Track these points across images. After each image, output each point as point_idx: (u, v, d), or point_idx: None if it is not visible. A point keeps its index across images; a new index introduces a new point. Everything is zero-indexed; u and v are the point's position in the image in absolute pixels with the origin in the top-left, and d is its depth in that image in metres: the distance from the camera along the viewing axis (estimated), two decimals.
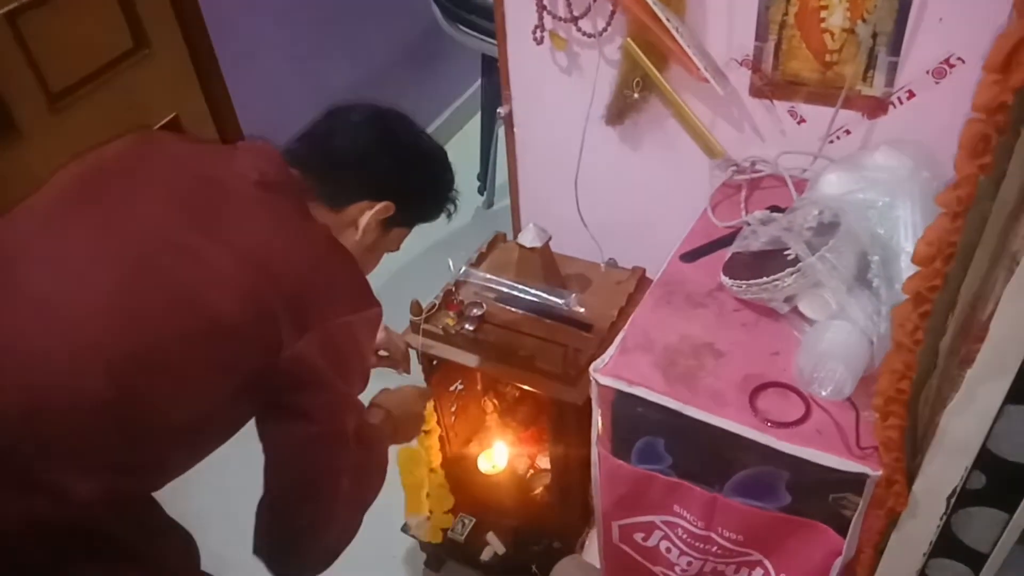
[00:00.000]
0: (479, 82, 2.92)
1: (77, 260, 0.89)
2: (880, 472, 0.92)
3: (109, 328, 0.85)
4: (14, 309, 0.86)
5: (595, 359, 1.41)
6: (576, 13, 1.37)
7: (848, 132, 1.31)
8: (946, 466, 0.86)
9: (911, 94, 1.23)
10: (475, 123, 3.26)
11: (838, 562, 1.04)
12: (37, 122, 1.66)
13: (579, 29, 1.39)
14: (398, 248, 1.19)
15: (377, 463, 1.15)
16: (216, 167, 0.99)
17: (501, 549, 1.69)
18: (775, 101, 1.34)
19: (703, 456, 1.08)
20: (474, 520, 1.73)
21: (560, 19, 1.40)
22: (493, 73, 2.51)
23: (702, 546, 1.18)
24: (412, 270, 2.61)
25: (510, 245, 1.71)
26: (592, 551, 1.59)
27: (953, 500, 0.88)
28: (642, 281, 1.58)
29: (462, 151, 3.26)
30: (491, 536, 1.70)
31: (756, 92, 1.34)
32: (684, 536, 1.19)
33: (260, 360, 0.91)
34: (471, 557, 1.70)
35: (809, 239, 1.10)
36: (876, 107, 1.27)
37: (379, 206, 1.06)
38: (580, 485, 1.58)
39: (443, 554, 1.80)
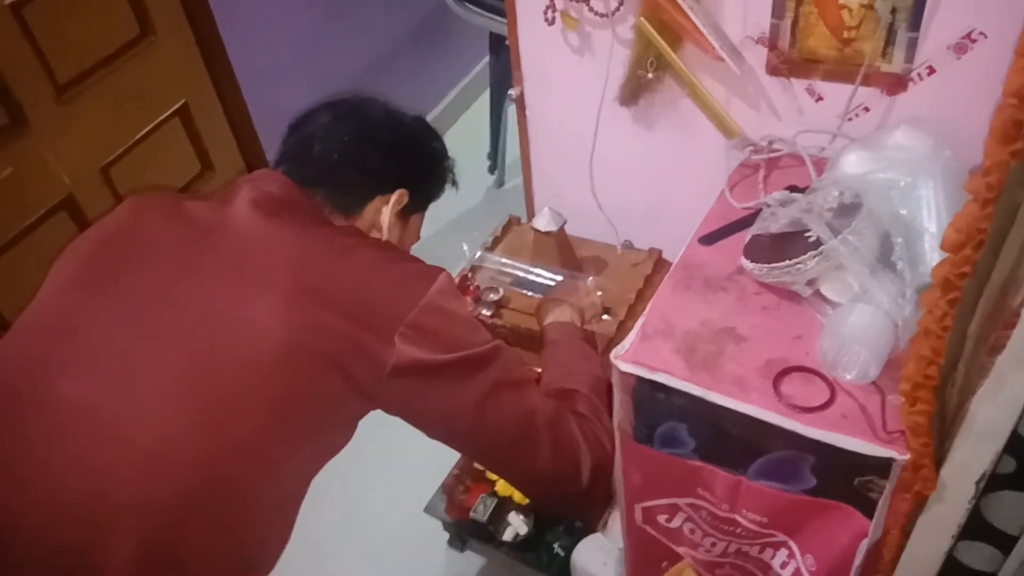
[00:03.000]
0: (487, 59, 2.89)
1: (118, 367, 0.83)
2: (907, 456, 0.92)
3: (178, 442, 0.80)
4: (60, 429, 0.81)
5: (614, 343, 1.42)
6: None
7: (867, 110, 1.29)
8: (975, 451, 0.86)
9: (931, 70, 1.21)
10: (483, 101, 3.23)
11: (864, 543, 1.05)
12: (45, 113, 1.66)
13: (591, 9, 1.37)
14: (419, 237, 1.17)
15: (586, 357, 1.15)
16: (222, 212, 0.93)
17: (523, 529, 1.70)
18: (792, 79, 1.32)
19: (727, 440, 1.08)
20: (496, 500, 1.74)
21: None
22: (501, 51, 2.50)
23: (726, 528, 1.18)
24: (425, 253, 2.57)
25: (524, 228, 1.70)
26: (615, 530, 1.60)
27: (983, 484, 0.88)
28: (659, 263, 1.57)
29: (471, 130, 3.23)
30: (513, 516, 1.71)
31: (773, 70, 1.32)
32: (708, 518, 1.20)
33: (362, 392, 0.87)
34: (493, 537, 1.72)
35: (830, 220, 1.09)
36: (895, 84, 1.25)
37: (394, 198, 1.04)
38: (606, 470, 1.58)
39: (465, 534, 1.81)
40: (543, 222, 1.48)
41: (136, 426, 0.81)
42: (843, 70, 1.27)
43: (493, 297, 1.52)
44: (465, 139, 3.19)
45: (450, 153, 1.17)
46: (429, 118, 3.01)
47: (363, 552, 1.89)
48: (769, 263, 1.11)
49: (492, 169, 2.92)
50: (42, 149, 1.67)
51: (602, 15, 1.37)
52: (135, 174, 1.87)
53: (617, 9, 1.34)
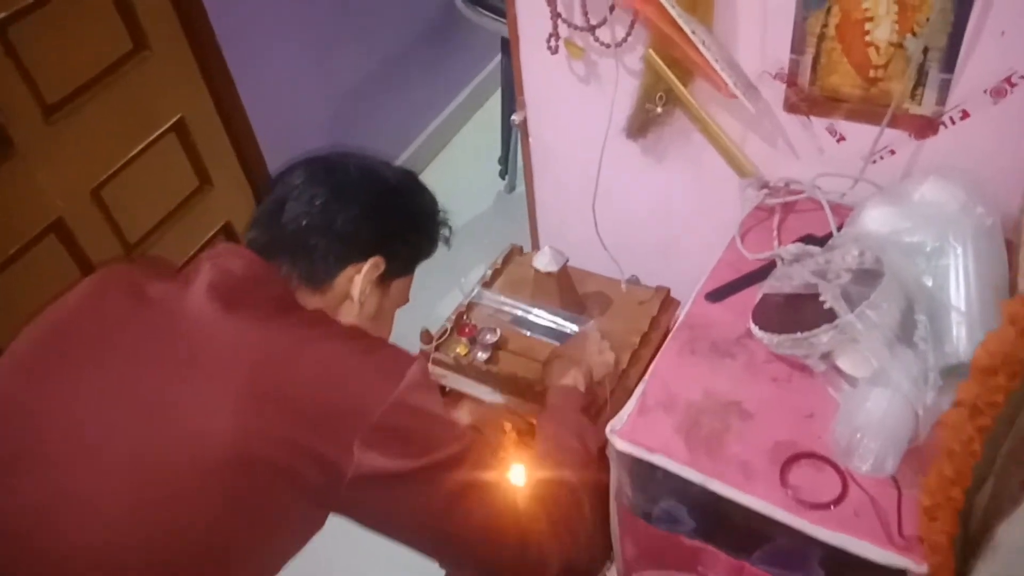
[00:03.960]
0: (498, 58, 2.79)
1: (64, 465, 0.78)
2: (924, 567, 0.83)
3: (122, 546, 0.75)
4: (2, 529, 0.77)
5: (615, 394, 1.34)
6: (593, 22, 1.25)
7: (893, 152, 1.19)
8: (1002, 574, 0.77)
9: (965, 114, 1.11)
10: (494, 101, 3.13)
11: None
12: (32, 135, 1.59)
13: (596, 38, 1.27)
14: (408, 299, 1.08)
15: (577, 437, 1.07)
16: (182, 298, 0.85)
17: None
18: (812, 117, 1.22)
19: (729, 526, 1.01)
20: None
21: (576, 28, 1.28)
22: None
23: None
24: (431, 265, 2.53)
25: (527, 259, 1.62)
26: None
27: None
28: (666, 302, 1.48)
29: (483, 131, 3.14)
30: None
31: (791, 107, 1.22)
32: None
33: (316, 502, 0.81)
34: None
35: (847, 287, 0.99)
36: (925, 127, 1.14)
37: (366, 267, 0.94)
38: (602, 513, 1.51)
39: None
40: (543, 262, 1.39)
41: (78, 527, 0.76)
42: (868, 110, 1.16)
43: (490, 339, 1.44)
44: (476, 141, 3.10)
45: (441, 206, 1.06)
46: (440, 120, 3.00)
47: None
48: (780, 332, 1.02)
49: (503, 174, 2.83)
50: (30, 172, 1.61)
51: (608, 45, 1.27)
52: (129, 193, 1.82)
53: (624, 40, 1.24)
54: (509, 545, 0.89)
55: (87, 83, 1.68)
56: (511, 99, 2.68)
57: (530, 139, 1.54)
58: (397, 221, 0.98)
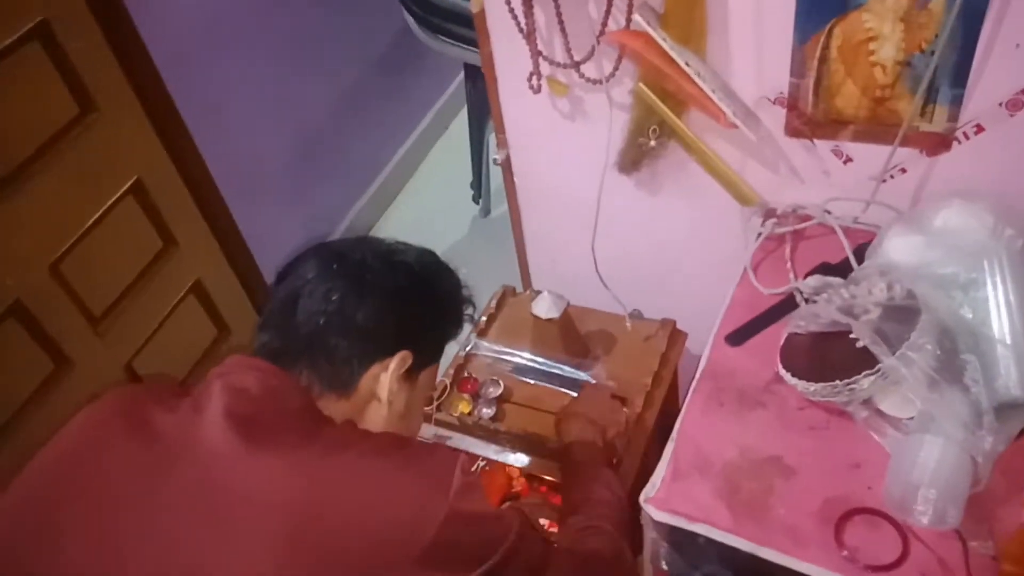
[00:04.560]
0: (460, 78, 2.71)
1: None
2: None
3: None
4: None
5: (632, 442, 1.27)
6: (577, 58, 1.18)
7: (904, 171, 1.14)
8: None
9: (980, 128, 1.06)
10: (460, 122, 3.05)
11: None
12: None
13: (582, 75, 1.20)
14: (435, 389, 0.99)
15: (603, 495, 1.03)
16: (193, 429, 0.76)
17: None
18: (816, 140, 1.17)
19: None
20: None
21: (559, 65, 1.21)
22: (478, 79, 2.32)
23: None
24: None
25: (522, 299, 1.54)
26: None
27: None
28: (674, 335, 1.42)
29: (451, 154, 3.04)
30: None
31: (793, 132, 1.17)
32: None
33: None
34: None
35: (881, 326, 0.94)
36: (937, 144, 1.10)
37: (393, 364, 0.84)
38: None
39: None
40: (543, 308, 1.32)
41: None
42: (875, 130, 1.11)
43: (494, 392, 1.37)
44: (445, 165, 3.02)
45: (464, 282, 0.97)
46: (405, 147, 2.92)
47: None
48: (816, 380, 0.96)
49: (476, 198, 2.75)
50: None
51: (595, 81, 1.20)
52: (90, 264, 1.70)
53: (612, 75, 1.18)
54: None
55: (34, 154, 1.56)
56: (478, 122, 2.61)
57: (515, 178, 1.47)
58: (422, 310, 0.89)
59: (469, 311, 0.97)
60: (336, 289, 0.83)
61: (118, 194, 1.75)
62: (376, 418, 0.87)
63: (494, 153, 1.52)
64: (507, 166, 1.47)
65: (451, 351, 1.46)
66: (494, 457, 1.33)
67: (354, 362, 0.83)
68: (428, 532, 0.71)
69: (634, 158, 1.28)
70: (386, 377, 0.85)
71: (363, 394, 0.85)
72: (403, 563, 0.71)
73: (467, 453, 1.20)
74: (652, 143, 1.23)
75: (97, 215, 1.70)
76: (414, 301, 0.88)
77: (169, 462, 0.74)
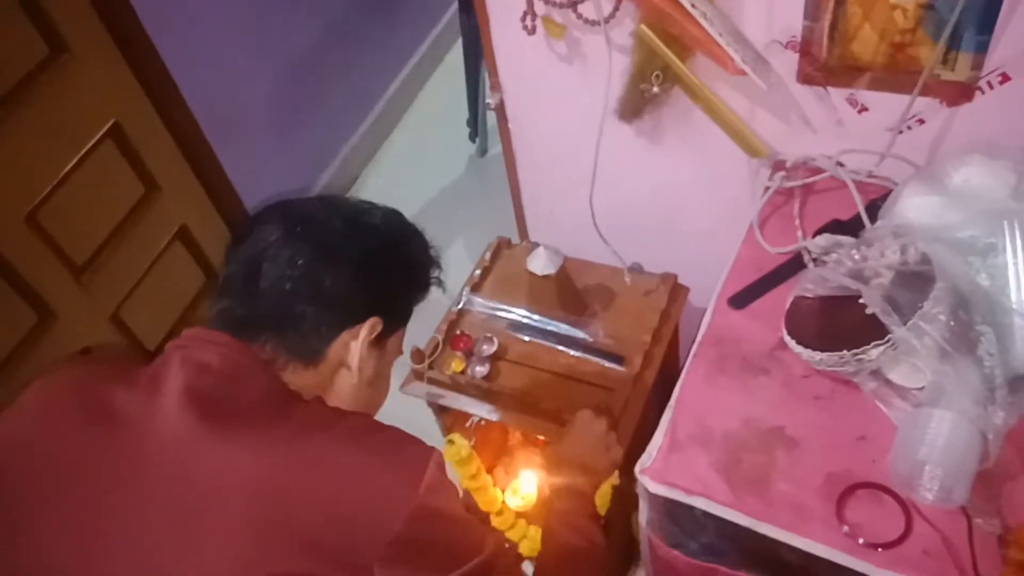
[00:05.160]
0: (454, 7, 2.58)
1: None
2: None
3: None
4: None
5: (630, 402, 1.24)
6: None
7: (922, 122, 1.07)
8: None
9: (1005, 78, 0.99)
10: (456, 53, 2.92)
11: None
12: None
13: (579, 15, 1.12)
14: (402, 352, 0.94)
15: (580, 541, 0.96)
16: (151, 409, 0.72)
17: None
18: (829, 88, 1.09)
19: (779, 560, 0.92)
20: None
21: (555, 4, 1.13)
22: (471, 11, 2.20)
23: None
24: None
25: (517, 251, 1.49)
26: None
27: None
28: (675, 290, 1.37)
29: (446, 89, 2.92)
30: (526, 566, 1.58)
31: (806, 79, 1.09)
32: None
33: None
34: None
35: (892, 293, 0.89)
36: (959, 94, 1.02)
37: (364, 331, 0.81)
38: (622, 517, 1.44)
39: None
40: (539, 265, 1.27)
41: None
42: (893, 78, 1.04)
43: (488, 350, 1.33)
44: (440, 101, 2.92)
45: (431, 243, 0.91)
46: (398, 82, 2.80)
47: None
48: (822, 349, 0.92)
49: (473, 136, 2.66)
50: None
51: (593, 22, 1.12)
52: (69, 213, 1.64)
53: (612, 16, 1.10)
54: None
55: (2, 99, 1.49)
56: (474, 57, 2.49)
57: (509, 123, 1.40)
58: (391, 275, 0.84)
59: (436, 273, 0.92)
60: (301, 253, 0.78)
61: (95, 139, 1.67)
62: (345, 387, 0.84)
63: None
64: (501, 111, 1.39)
65: (443, 306, 1.42)
66: (488, 417, 1.30)
67: (322, 330, 0.79)
68: (395, 524, 0.69)
69: (635, 105, 1.20)
70: (356, 345, 0.81)
71: (331, 363, 0.81)
72: (368, 556, 0.68)
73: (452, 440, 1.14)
74: (654, 90, 1.16)
75: (74, 162, 1.64)
76: (383, 265, 0.84)
77: (128, 449, 0.70)
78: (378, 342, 0.85)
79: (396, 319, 0.87)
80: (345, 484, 0.70)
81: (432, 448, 0.76)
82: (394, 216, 0.88)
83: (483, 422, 1.52)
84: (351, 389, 0.84)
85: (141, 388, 0.74)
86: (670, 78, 1.15)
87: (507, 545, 0.84)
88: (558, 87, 1.28)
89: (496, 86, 1.36)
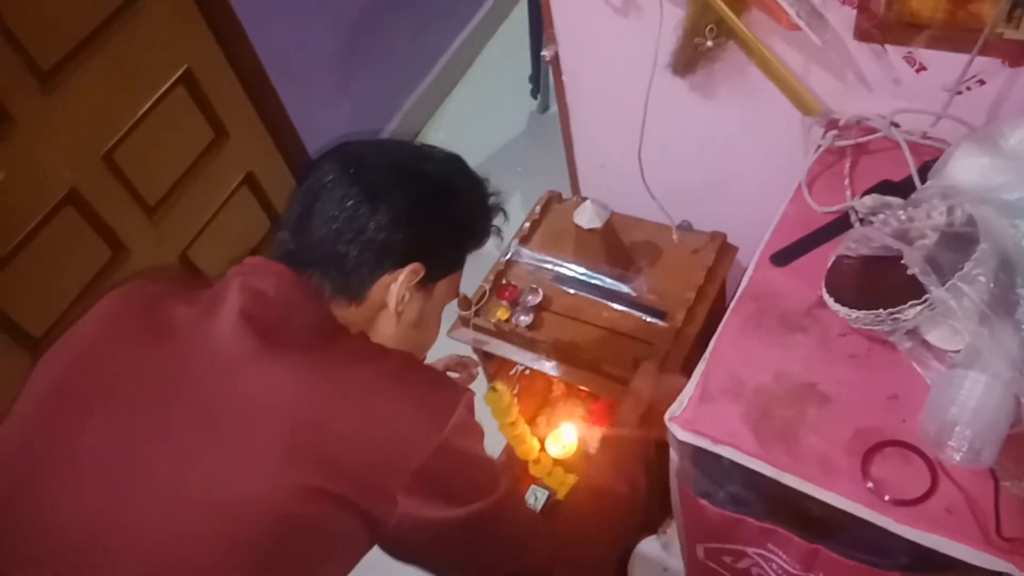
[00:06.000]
0: None
1: (83, 522, 0.72)
2: None
3: None
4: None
5: (670, 357, 1.26)
6: None
7: (982, 83, 1.04)
8: None
9: None
10: (521, 10, 2.92)
11: None
12: (30, 106, 1.49)
13: None
14: (457, 294, 0.97)
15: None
16: (209, 326, 0.77)
17: None
18: (887, 46, 1.07)
19: (804, 513, 0.94)
20: (547, 493, 1.65)
21: None
22: None
23: None
24: None
25: (567, 206, 1.51)
26: (674, 540, 1.50)
27: None
28: (723, 249, 1.38)
29: (510, 45, 2.93)
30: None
31: (863, 35, 1.07)
32: (779, 570, 1.07)
33: (355, 547, 0.76)
34: None
35: (935, 254, 0.88)
36: (1022, 54, 0.99)
37: (403, 275, 0.84)
38: (660, 467, 1.46)
39: None
40: (586, 218, 1.29)
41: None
42: (953, 36, 1.01)
43: (533, 301, 1.36)
44: (504, 57, 2.92)
45: (494, 191, 0.94)
46: (462, 37, 2.81)
47: None
48: (859, 307, 0.92)
49: (535, 93, 2.67)
50: (34, 144, 1.52)
51: None
52: (143, 154, 1.73)
53: None
54: None
55: (81, 44, 1.57)
56: (538, 11, 2.48)
57: (563, 76, 1.41)
58: (438, 223, 0.87)
59: (498, 221, 0.94)
60: (351, 196, 0.82)
61: (168, 84, 1.75)
62: (387, 327, 0.88)
63: None
64: (555, 63, 1.40)
65: (492, 256, 1.45)
66: (529, 364, 1.34)
67: (363, 271, 0.83)
68: (418, 458, 0.73)
69: (689, 59, 1.20)
70: (395, 287, 0.84)
71: (374, 302, 0.85)
72: (392, 486, 0.73)
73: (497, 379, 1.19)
74: (708, 44, 1.15)
75: (148, 105, 1.72)
76: (430, 214, 0.86)
77: (181, 363, 0.76)
78: (423, 286, 0.88)
79: (442, 266, 0.90)
80: (376, 416, 0.75)
81: (464, 390, 0.80)
82: (452, 163, 0.90)
83: (527, 371, 1.57)
84: (393, 329, 0.88)
85: (201, 308, 0.80)
86: (724, 32, 1.14)
87: (516, 487, 0.89)
88: (612, 40, 1.28)
89: (551, 38, 1.37)
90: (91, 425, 0.75)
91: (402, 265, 0.84)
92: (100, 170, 1.66)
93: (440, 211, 0.87)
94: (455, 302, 1.38)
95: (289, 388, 0.74)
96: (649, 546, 1.54)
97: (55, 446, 0.75)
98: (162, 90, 1.74)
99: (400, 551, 0.80)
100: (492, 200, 0.94)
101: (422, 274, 0.86)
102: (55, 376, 0.80)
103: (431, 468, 0.74)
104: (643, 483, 1.03)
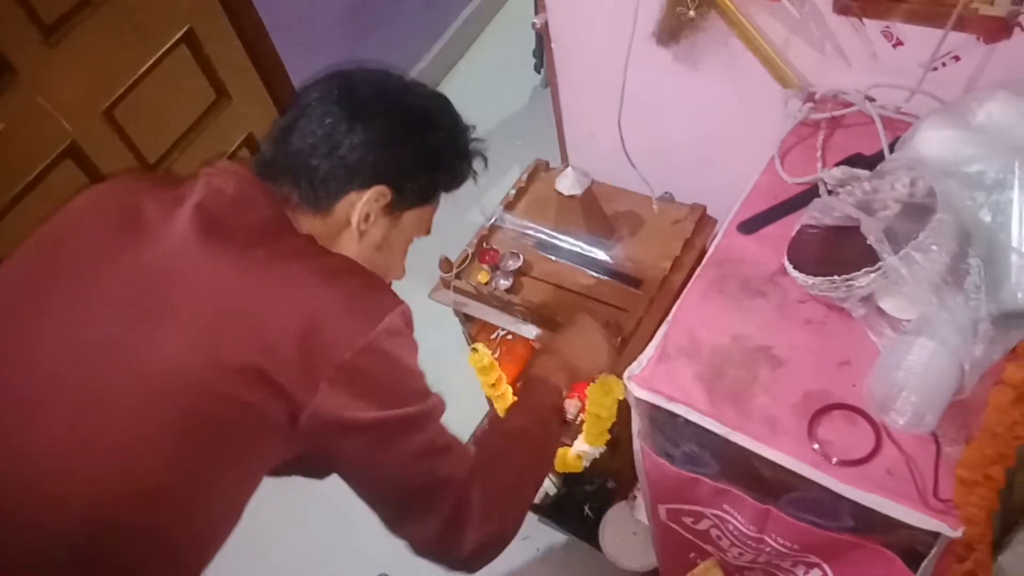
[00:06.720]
0: None
1: (12, 393, 0.77)
2: (959, 533, 0.78)
3: (61, 488, 0.74)
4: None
5: (643, 324, 1.28)
6: None
7: (957, 59, 1.05)
8: None
9: None
10: None
11: None
12: (33, 59, 1.53)
13: None
14: (427, 231, 1.00)
15: (537, 433, 1.01)
16: (169, 216, 0.83)
17: (553, 490, 1.65)
18: (865, 20, 1.08)
19: (755, 473, 0.96)
20: None
21: None
22: None
23: (754, 544, 1.09)
24: None
25: (553, 175, 1.52)
26: (642, 505, 1.52)
27: None
28: (702, 221, 1.39)
29: (516, 20, 2.94)
30: None
31: (842, 9, 1.08)
32: (735, 531, 1.10)
33: (275, 437, 0.79)
34: None
35: (892, 224, 0.90)
36: (997, 29, 1.00)
37: (367, 195, 0.87)
38: (630, 433, 1.49)
39: None
40: (566, 185, 1.31)
41: (11, 470, 0.75)
42: (931, 11, 1.02)
43: (513, 265, 1.38)
44: (509, 31, 2.93)
45: (477, 138, 0.98)
46: (469, 9, 2.82)
47: None
48: (816, 274, 0.94)
49: (538, 68, 2.67)
50: (35, 96, 1.56)
51: None
52: (143, 112, 1.76)
53: None
54: (433, 516, 0.87)
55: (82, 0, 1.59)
56: None
57: (552, 44, 1.42)
58: (410, 154, 0.90)
59: (477, 167, 0.98)
60: (331, 115, 0.86)
61: (170, 43, 1.77)
62: (349, 244, 0.91)
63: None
64: (546, 31, 1.42)
65: (477, 223, 1.47)
66: (507, 327, 1.36)
67: (331, 185, 0.87)
68: (343, 352, 0.77)
69: (672, 29, 1.21)
70: (360, 205, 0.88)
71: (339, 218, 0.89)
72: (315, 375, 0.77)
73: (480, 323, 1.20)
74: (691, 13, 1.17)
75: (150, 63, 1.74)
76: (404, 141, 0.90)
77: (137, 242, 0.82)
78: (391, 212, 0.92)
79: (412, 195, 0.93)
80: (302, 307, 0.79)
81: (402, 302, 0.84)
82: (437, 100, 0.94)
83: (509, 336, 1.59)
84: (355, 248, 0.91)
85: (167, 202, 0.85)
86: (706, 2, 1.15)
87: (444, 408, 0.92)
88: (598, 7, 1.29)
89: (542, 6, 1.38)
90: (44, 301, 0.81)
91: (370, 186, 0.88)
92: (101, 125, 1.69)
93: (415, 141, 0.90)
94: (437, 264, 1.41)
95: (224, 275, 0.79)
96: (618, 510, 1.57)
97: (8, 319, 0.81)
98: (164, 49, 1.76)
99: (314, 455, 0.83)
100: (473, 145, 0.98)
101: (389, 198, 0.89)
102: (22, 258, 0.86)
103: (357, 365, 0.78)
104: (556, 431, 1.05)
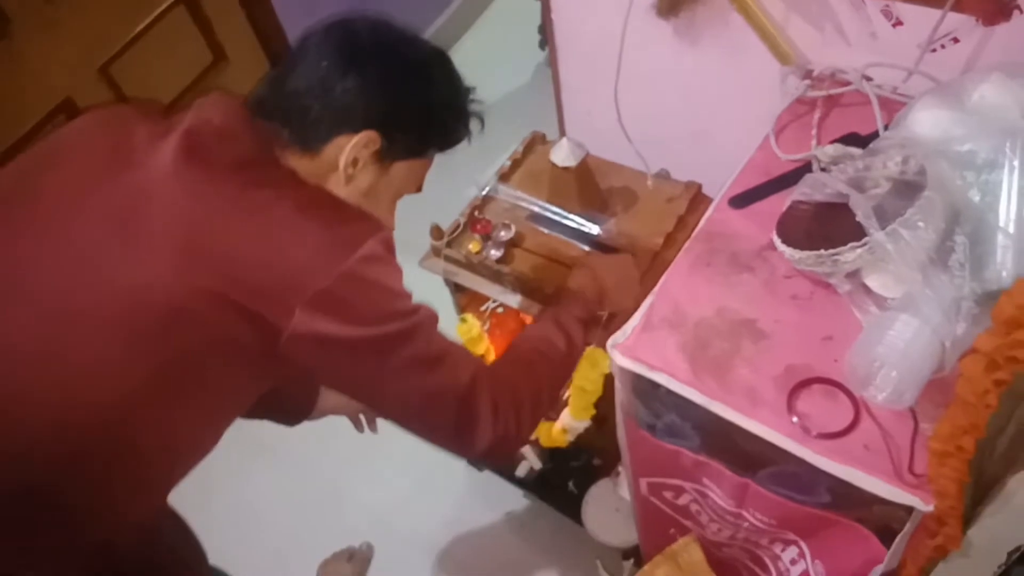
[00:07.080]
0: None
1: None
2: (931, 507, 0.79)
3: (33, 406, 0.77)
4: None
5: (634, 300, 1.28)
6: None
7: (956, 41, 1.05)
8: (1011, 525, 0.72)
9: None
10: None
11: (878, 569, 0.94)
12: (32, 14, 1.52)
13: None
14: (418, 188, 1.00)
15: (558, 342, 1.04)
16: (157, 143, 0.84)
17: (538, 464, 1.66)
18: None
19: (734, 445, 0.97)
20: None
21: None
22: None
23: (732, 520, 1.09)
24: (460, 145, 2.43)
25: (549, 147, 1.52)
26: (625, 481, 1.53)
27: (1015, 556, 0.75)
28: (696, 198, 1.38)
29: None
30: (527, 450, 1.66)
31: None
32: (714, 506, 1.10)
33: (253, 361, 0.81)
34: (507, 471, 1.67)
35: (882, 202, 0.90)
36: (996, 11, 0.99)
37: (356, 138, 0.87)
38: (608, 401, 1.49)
39: (482, 464, 1.78)
40: (561, 156, 1.30)
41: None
42: None
43: (504, 236, 1.38)
44: (514, 7, 2.90)
45: (475, 98, 0.98)
46: None
47: (377, 473, 1.89)
48: (804, 248, 0.94)
49: (543, 44, 2.66)
50: (31, 51, 1.54)
51: None
52: (140, 71, 1.75)
53: None
54: (444, 423, 0.90)
55: None
56: None
57: (552, 15, 1.41)
58: (403, 104, 0.90)
59: (473, 128, 0.98)
60: (327, 58, 0.87)
61: (169, 2, 1.76)
62: (336, 187, 0.91)
63: None
64: (546, 3, 1.41)
65: (472, 194, 1.47)
66: (496, 297, 1.36)
67: (321, 126, 0.87)
68: (320, 281, 0.79)
69: (672, 1, 1.20)
70: (348, 149, 0.88)
71: (327, 160, 0.89)
72: (289, 300, 0.78)
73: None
74: None
75: (147, 22, 1.73)
76: (398, 91, 0.90)
77: (127, 164, 0.84)
78: (379, 160, 0.92)
79: (403, 146, 0.93)
80: (279, 236, 0.80)
81: (382, 227, 0.85)
82: (437, 56, 0.94)
83: (500, 308, 1.59)
84: (343, 192, 0.91)
85: (158, 132, 0.86)
86: None
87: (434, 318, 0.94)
88: None
89: None
90: (31, 211, 0.84)
91: (360, 130, 0.88)
92: (96, 82, 1.68)
93: (409, 91, 0.90)
94: (428, 231, 1.41)
95: (196, 197, 0.81)
96: (601, 486, 1.58)
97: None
98: (162, 7, 1.75)
99: (305, 370, 0.85)
100: (471, 106, 0.98)
101: (379, 145, 0.90)
102: (20, 165, 0.89)
103: (334, 291, 0.79)
104: (580, 339, 1.08)
